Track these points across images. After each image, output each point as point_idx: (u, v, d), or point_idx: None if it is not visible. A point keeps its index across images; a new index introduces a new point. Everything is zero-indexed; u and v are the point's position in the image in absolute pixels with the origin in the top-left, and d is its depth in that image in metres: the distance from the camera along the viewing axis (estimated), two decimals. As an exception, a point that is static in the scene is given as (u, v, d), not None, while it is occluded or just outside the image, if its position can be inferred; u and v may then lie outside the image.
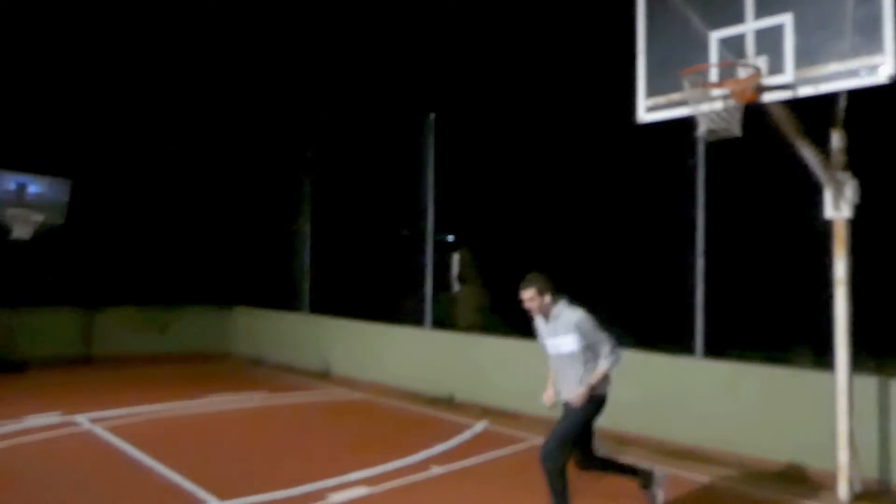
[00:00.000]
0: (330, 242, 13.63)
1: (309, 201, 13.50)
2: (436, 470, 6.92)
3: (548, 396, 5.48)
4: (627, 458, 6.29)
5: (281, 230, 14.35)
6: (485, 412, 9.69)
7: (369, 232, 13.44)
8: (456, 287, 11.37)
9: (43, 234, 12.01)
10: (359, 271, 13.76)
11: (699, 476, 6.88)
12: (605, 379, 5.36)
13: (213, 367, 13.61)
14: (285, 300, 13.94)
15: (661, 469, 5.97)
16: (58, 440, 7.87)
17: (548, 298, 5.40)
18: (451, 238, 11.86)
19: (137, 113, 13.47)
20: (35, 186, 11.89)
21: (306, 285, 13.57)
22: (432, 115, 11.06)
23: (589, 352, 5.30)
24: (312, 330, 13.19)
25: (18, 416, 8.64)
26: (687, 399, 7.95)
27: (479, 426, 8.97)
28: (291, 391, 11.23)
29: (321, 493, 6.04)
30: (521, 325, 10.15)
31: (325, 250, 13.57)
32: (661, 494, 5.80)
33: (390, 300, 13.31)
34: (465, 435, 8.50)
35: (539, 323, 5.53)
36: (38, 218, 11.61)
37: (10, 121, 12.36)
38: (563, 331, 5.33)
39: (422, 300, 11.23)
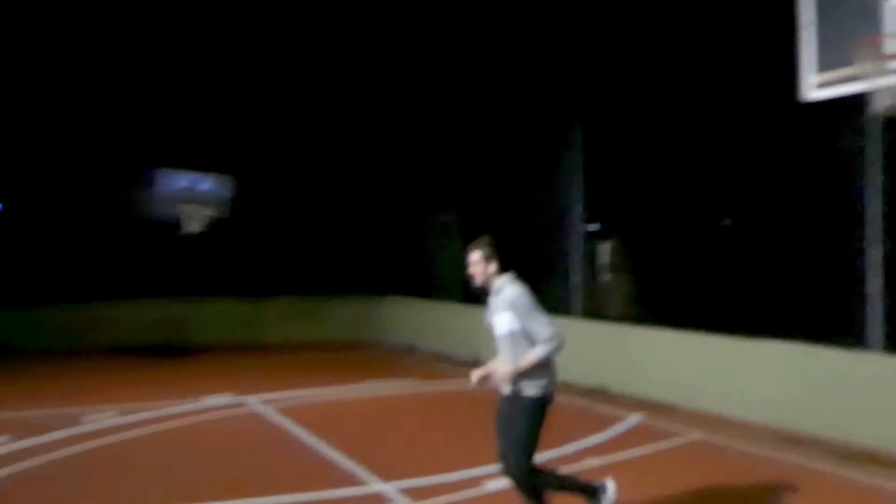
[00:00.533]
0: (478, 232, 13.68)
1: (457, 190, 13.65)
2: (591, 461, 6.81)
3: (475, 374, 4.82)
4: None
5: (431, 220, 14.60)
6: (639, 404, 9.43)
7: (515, 220, 13.39)
8: (605, 277, 11.11)
9: (211, 228, 12.89)
10: (505, 260, 13.75)
11: (886, 482, 6.34)
12: (548, 375, 4.69)
13: (367, 355, 14.10)
14: (436, 289, 14.19)
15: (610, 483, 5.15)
16: (232, 419, 8.43)
17: (492, 268, 4.80)
18: (595, 227, 11.58)
19: (293, 115, 14.11)
20: (204, 183, 12.79)
21: (456, 275, 13.73)
22: (580, 106, 10.89)
23: (526, 336, 4.62)
24: (462, 319, 13.34)
25: (196, 397, 9.33)
26: (866, 396, 7.35)
27: (634, 418, 8.74)
28: (443, 379, 11.43)
29: (477, 480, 6.09)
30: (674, 316, 9.83)
31: (473, 238, 13.64)
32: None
33: (535, 290, 13.22)
34: (620, 427, 8.32)
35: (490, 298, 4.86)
36: (207, 213, 12.47)
37: (181, 124, 13.32)
38: (500, 308, 4.70)
39: (568, 290, 11.08)
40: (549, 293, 11.78)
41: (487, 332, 4.92)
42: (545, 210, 12.87)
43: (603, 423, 8.44)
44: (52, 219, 13.20)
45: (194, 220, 12.23)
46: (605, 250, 11.15)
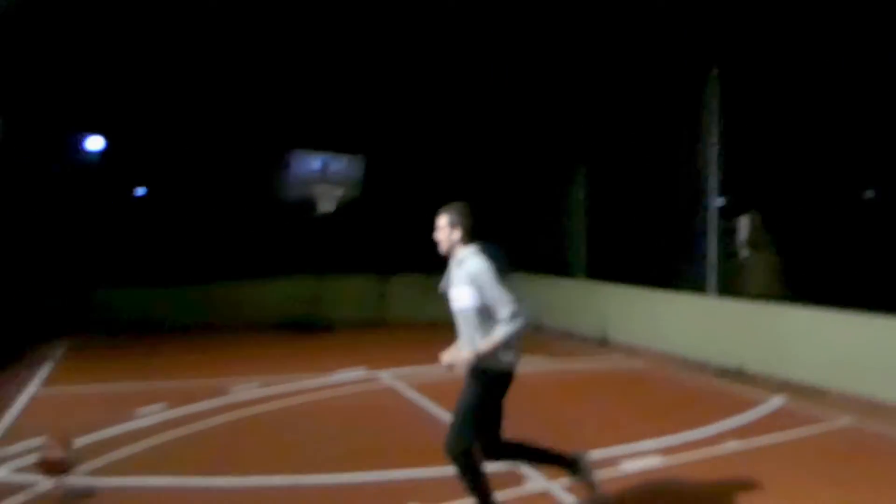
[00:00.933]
0: (605, 205, 13.40)
1: (583, 164, 13.38)
2: (731, 445, 6.55)
3: (443, 356, 4.64)
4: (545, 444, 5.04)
5: (554, 194, 14.40)
6: (781, 386, 8.98)
7: (646, 195, 12.98)
8: (744, 253, 10.59)
9: (344, 208, 13.27)
10: (635, 235, 13.36)
11: None
12: (507, 350, 4.41)
13: (493, 331, 14.13)
14: (560, 265, 14.01)
15: (587, 454, 4.99)
16: (366, 393, 8.69)
17: (456, 235, 4.53)
18: (722, 201, 11.03)
19: (422, 93, 14.20)
20: (336, 164, 13.16)
21: (582, 250, 13.53)
22: (716, 70, 10.36)
23: (486, 314, 4.37)
24: (589, 296, 13.14)
25: (329, 371, 9.67)
26: None
27: (776, 401, 8.34)
28: (570, 357, 11.33)
29: (613, 460, 5.99)
30: (819, 293, 9.24)
31: (601, 214, 13.39)
32: (597, 479, 4.87)
33: (668, 266, 12.81)
34: (761, 409, 7.96)
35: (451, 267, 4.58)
36: (339, 193, 12.84)
37: (314, 105, 13.71)
38: (460, 281, 4.45)
39: (703, 266, 10.65)
40: (682, 270, 11.43)
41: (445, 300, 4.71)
42: (677, 184, 12.43)
43: (742, 405, 8.10)
44: (194, 201, 13.95)
45: (328, 200, 12.61)
46: (743, 225, 10.62)
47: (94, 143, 13.57)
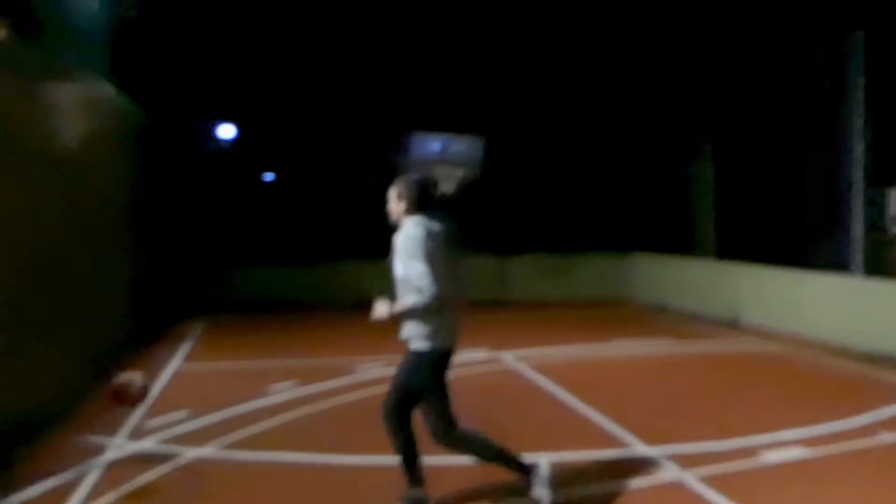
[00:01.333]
0: (734, 181, 12.73)
1: (710, 139, 12.75)
2: (884, 437, 6.06)
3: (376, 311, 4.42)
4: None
5: (679, 172, 13.82)
6: (938, 374, 8.28)
7: (779, 169, 12.22)
8: (894, 229, 9.78)
9: (463, 188, 13.27)
10: (768, 212, 12.64)
11: None
12: (434, 329, 4.30)
13: (614, 313, 13.82)
14: (686, 245, 13.46)
15: (544, 466, 4.57)
16: (489, 374, 8.67)
17: (402, 207, 4.48)
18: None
19: (540, 74, 13.98)
20: (456, 145, 13.14)
21: (711, 229, 12.92)
22: (860, 33, 9.57)
23: (409, 284, 4.28)
24: (719, 276, 12.55)
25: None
26: None
27: (933, 390, 7.68)
28: (699, 339, 10.88)
29: (753, 450, 5.66)
30: None
31: (730, 191, 12.73)
32: (546, 494, 4.46)
33: (806, 244, 12.04)
34: (916, 399, 7.34)
35: None
36: (460, 173, 12.82)
37: (434, 87, 13.74)
38: (394, 249, 4.43)
39: (846, 244, 9.93)
40: (823, 248, 10.71)
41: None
42: (814, 155, 11.62)
43: (893, 393, 7.50)
44: (320, 184, 14.33)
45: (448, 182, 12.64)
46: (894, 198, 9.80)
47: (226, 131, 14.17)
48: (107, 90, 8.69)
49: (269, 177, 14.99)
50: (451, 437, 4.50)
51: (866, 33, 9.66)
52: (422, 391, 4.44)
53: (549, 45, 13.23)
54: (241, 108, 13.81)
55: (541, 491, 4.48)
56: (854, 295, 9.84)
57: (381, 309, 4.39)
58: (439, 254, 4.37)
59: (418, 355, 4.39)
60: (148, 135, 10.96)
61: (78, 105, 7.29)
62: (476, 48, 13.48)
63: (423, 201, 4.53)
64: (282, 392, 7.54)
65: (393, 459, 5.38)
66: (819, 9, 10.16)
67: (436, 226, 4.50)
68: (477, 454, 4.65)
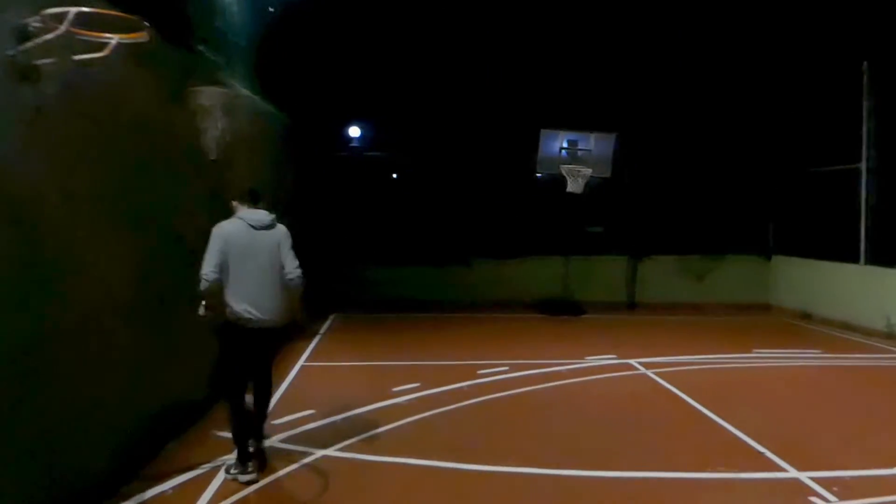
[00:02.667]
0: (892, 182, 11.65)
1: (872, 132, 11.71)
2: None
3: None
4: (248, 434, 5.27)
5: (827, 171, 12.79)
6: None
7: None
8: None
9: (594, 187, 12.87)
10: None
11: None
12: (232, 306, 5.06)
13: (754, 320, 13.00)
14: (836, 250, 12.44)
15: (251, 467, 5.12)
16: (618, 381, 8.29)
17: (233, 205, 5.40)
18: None
19: (676, 69, 13.39)
20: (584, 142, 12.74)
21: (864, 232, 11.88)
22: None
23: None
24: (872, 283, 11.53)
25: (581, 357, 9.38)
26: None
27: None
28: (851, 352, 10.00)
29: (918, 482, 5.07)
30: None
31: (887, 191, 11.65)
32: (243, 476, 5.06)
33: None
34: None
35: None
36: (588, 172, 12.41)
37: (561, 83, 13.43)
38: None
39: None
40: None
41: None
42: None
43: None
44: (450, 182, 14.36)
45: (576, 180, 12.26)
46: None
47: (355, 131, 14.44)
48: (252, 94, 8.97)
49: (395, 177, 15.16)
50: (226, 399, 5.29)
51: None
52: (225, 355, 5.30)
53: (691, 36, 12.60)
54: (374, 109, 14.03)
55: (234, 473, 5.11)
56: None
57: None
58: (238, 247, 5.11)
59: (222, 326, 5.15)
60: (290, 137, 11.29)
61: (224, 108, 7.55)
62: (611, 41, 13.05)
63: (244, 200, 5.38)
64: (404, 394, 7.50)
65: (509, 469, 5.23)
66: None
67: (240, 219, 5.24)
68: (232, 423, 5.25)
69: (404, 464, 5.48)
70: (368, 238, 14.12)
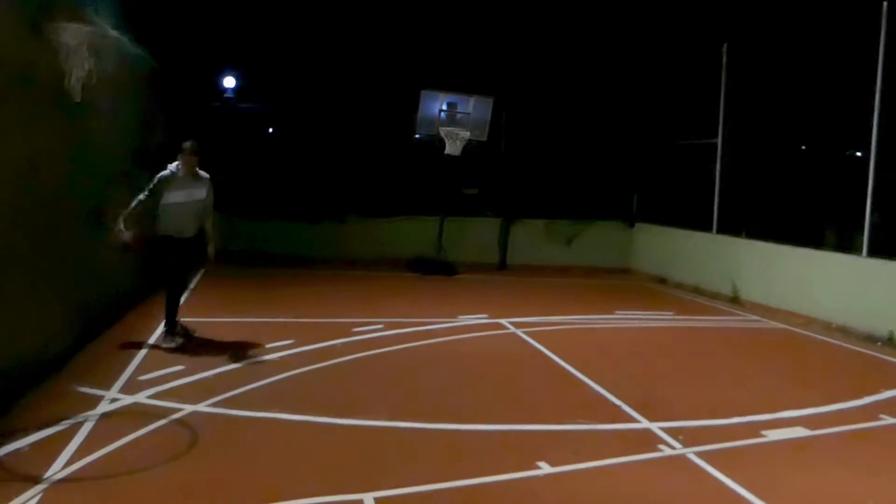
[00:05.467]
0: (744, 157, 12.57)
1: (727, 112, 12.52)
2: (887, 420, 6.01)
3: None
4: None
5: (689, 145, 13.61)
6: (940, 358, 8.24)
7: (789, 146, 12.08)
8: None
9: (470, 150, 13.06)
10: (779, 189, 12.54)
11: None
12: (160, 224, 7.45)
13: (615, 283, 13.74)
14: (692, 218, 13.32)
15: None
16: (490, 339, 8.58)
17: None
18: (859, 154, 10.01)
19: (554, 36, 13.72)
20: (464, 105, 12.88)
21: (716, 203, 12.76)
22: (885, 2, 9.31)
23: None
24: (721, 251, 12.45)
25: (454, 315, 9.62)
26: None
27: (936, 374, 7.64)
28: (701, 314, 10.80)
29: (754, 428, 5.62)
30: None
31: (740, 165, 12.56)
32: (171, 342, 7.36)
33: (816, 223, 11.94)
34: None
35: None
36: (466, 135, 12.60)
37: (441, 45, 13.47)
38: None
39: (851, 224, 9.81)
40: (830, 227, 10.57)
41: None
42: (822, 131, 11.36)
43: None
44: (326, 137, 14.14)
45: (456, 142, 12.41)
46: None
47: (230, 81, 13.93)
48: (119, 35, 8.42)
49: (272, 131, 14.77)
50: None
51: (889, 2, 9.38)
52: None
53: (568, 7, 12.93)
54: (252, 59, 13.56)
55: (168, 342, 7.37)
56: (857, 274, 9.77)
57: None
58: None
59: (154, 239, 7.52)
60: (161, 84, 10.69)
61: (91, 47, 7.06)
62: (493, 6, 13.17)
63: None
64: (278, 351, 7.45)
65: (383, 423, 5.37)
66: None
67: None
68: (168, 306, 7.53)
69: (277, 419, 5.48)
70: (243, 192, 13.73)
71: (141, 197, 7.23)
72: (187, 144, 7.44)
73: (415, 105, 12.84)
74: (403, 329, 8.72)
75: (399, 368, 7.21)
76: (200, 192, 7.53)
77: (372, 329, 8.61)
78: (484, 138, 13.03)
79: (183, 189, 7.37)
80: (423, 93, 12.80)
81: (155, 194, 7.28)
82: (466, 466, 4.68)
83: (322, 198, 13.95)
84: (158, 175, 7.35)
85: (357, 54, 13.37)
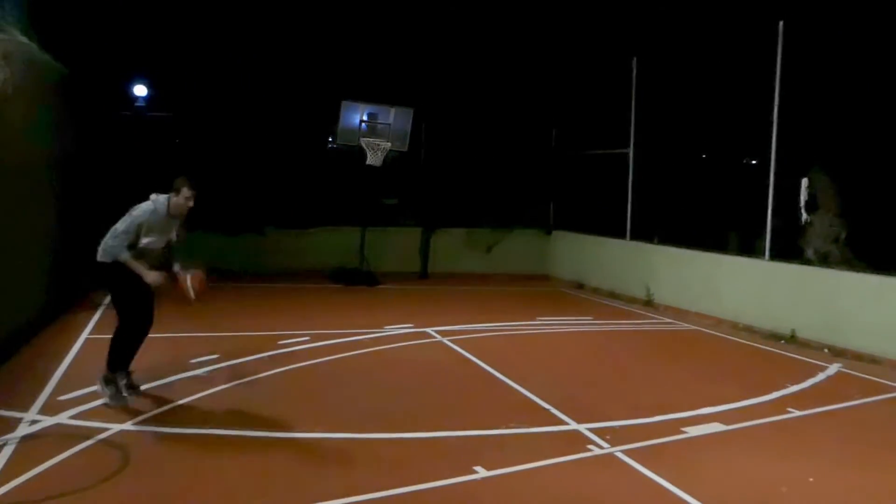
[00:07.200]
0: (655, 165, 13.14)
1: (637, 123, 13.04)
2: (794, 413, 6.43)
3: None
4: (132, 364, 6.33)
5: (604, 154, 14.11)
6: (836, 353, 8.83)
7: (699, 156, 12.70)
8: (804, 215, 10.28)
9: (392, 160, 13.14)
10: (686, 196, 13.14)
11: None
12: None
13: (535, 289, 14.06)
14: (607, 226, 13.80)
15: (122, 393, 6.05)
16: (417, 348, 8.65)
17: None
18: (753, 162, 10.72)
19: (475, 48, 13.95)
20: (384, 116, 12.95)
21: (629, 211, 13.27)
22: (781, 23, 9.94)
23: None
24: (635, 257, 12.94)
25: (380, 325, 9.66)
26: None
27: (833, 368, 8.19)
28: (618, 318, 11.19)
29: (675, 426, 5.90)
30: (882, 260, 8.97)
31: (650, 174, 13.11)
32: (108, 393, 5.99)
33: (719, 228, 12.56)
34: (820, 377, 7.82)
35: None
36: (387, 145, 12.67)
37: (361, 56, 13.50)
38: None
39: (753, 229, 10.40)
40: (737, 233, 11.16)
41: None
42: (729, 144, 12.00)
43: (799, 372, 7.98)
44: (247, 148, 13.91)
45: (376, 152, 12.46)
46: (805, 187, 10.28)
47: (141, 90, 13.55)
48: (28, 41, 8.11)
49: (186, 140, 14.43)
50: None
51: (785, 23, 10.00)
52: None
53: (486, 17, 13.16)
54: (159, 68, 13.21)
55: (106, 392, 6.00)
56: (761, 277, 10.35)
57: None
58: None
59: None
60: (69, 92, 10.30)
61: (4, 56, 6.80)
62: (412, 17, 13.28)
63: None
64: (202, 366, 7.32)
65: (315, 435, 5.37)
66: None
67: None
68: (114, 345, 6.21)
69: (209, 434, 5.40)
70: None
71: (121, 243, 5.92)
72: (190, 191, 6.18)
73: (335, 115, 12.82)
74: (329, 340, 8.70)
75: (328, 380, 7.19)
76: (173, 233, 6.36)
77: (298, 342, 8.56)
78: (405, 149, 13.15)
79: (162, 234, 6.18)
80: (344, 103, 12.80)
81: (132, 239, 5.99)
82: (405, 474, 4.74)
83: (241, 209, 13.72)
84: (139, 216, 6.00)
85: (276, 65, 13.24)
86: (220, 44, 12.98)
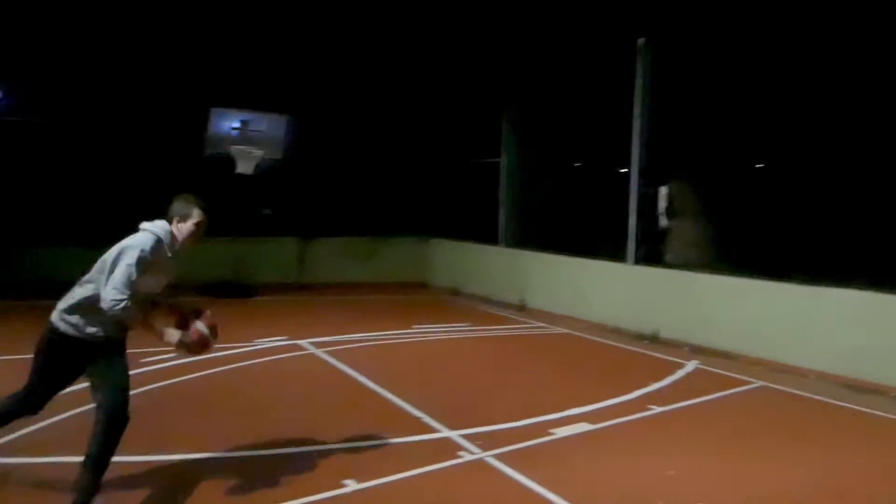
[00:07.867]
0: (528, 174, 13.49)
1: (510, 133, 13.35)
2: (655, 409, 6.73)
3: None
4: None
5: (479, 163, 14.37)
6: (695, 351, 9.34)
7: (570, 165, 13.16)
8: (663, 222, 10.83)
9: (265, 168, 12.81)
10: (558, 204, 13.57)
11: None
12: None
13: (413, 297, 14.09)
14: (482, 233, 14.04)
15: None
16: (289, 361, 8.46)
17: None
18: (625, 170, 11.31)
19: (348, 53, 13.82)
20: (257, 123, 12.62)
21: (503, 218, 13.56)
22: (642, 40, 10.44)
23: None
24: (509, 263, 13.23)
25: (251, 339, 9.39)
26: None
27: (692, 365, 8.66)
28: (493, 324, 11.37)
29: (543, 428, 6.04)
30: (746, 262, 9.59)
31: (524, 182, 13.46)
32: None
33: (591, 234, 13.04)
34: (679, 374, 8.24)
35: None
36: (259, 153, 12.35)
37: (234, 60, 13.09)
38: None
39: (623, 235, 10.88)
40: (605, 239, 11.62)
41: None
42: (599, 152, 12.48)
43: (661, 370, 8.37)
44: (108, 156, 13.21)
45: (248, 161, 12.11)
46: (664, 194, 10.84)
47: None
48: None
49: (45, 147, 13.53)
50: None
51: (648, 39, 10.51)
52: None
53: (361, 23, 13.05)
54: (17, 69, 12.34)
55: None
56: (626, 281, 10.81)
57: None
58: None
59: None
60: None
61: None
62: (286, 21, 12.99)
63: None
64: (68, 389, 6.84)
65: (178, 456, 5.15)
66: (609, 17, 10.90)
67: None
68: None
69: (67, 463, 5.05)
70: (21, 217, 12.49)
71: (125, 295, 4.24)
72: (202, 215, 4.68)
73: (204, 123, 12.37)
74: (196, 357, 8.34)
75: (194, 398, 6.91)
76: (170, 274, 4.68)
77: (162, 359, 8.15)
78: (278, 156, 12.86)
79: (161, 272, 4.53)
80: (213, 110, 12.38)
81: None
82: (275, 492, 4.61)
83: (105, 221, 12.96)
84: (140, 252, 4.32)
85: (142, 70, 12.63)
86: (79, 46, 12.26)
